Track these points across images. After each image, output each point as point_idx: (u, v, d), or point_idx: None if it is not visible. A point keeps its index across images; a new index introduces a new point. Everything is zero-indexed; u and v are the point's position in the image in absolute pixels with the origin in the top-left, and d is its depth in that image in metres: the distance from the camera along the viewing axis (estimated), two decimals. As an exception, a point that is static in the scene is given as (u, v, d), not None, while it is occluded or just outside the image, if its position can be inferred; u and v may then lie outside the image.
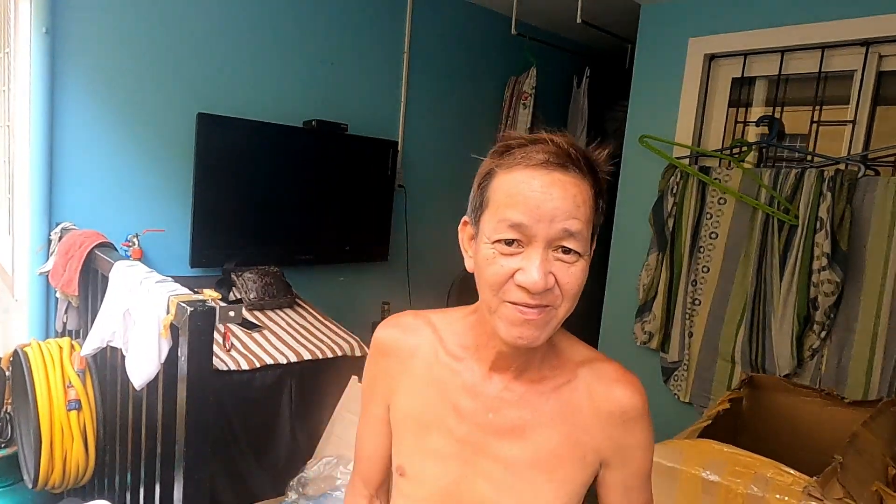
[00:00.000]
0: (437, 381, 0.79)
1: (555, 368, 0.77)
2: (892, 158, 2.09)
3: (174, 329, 1.22)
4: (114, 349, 1.54)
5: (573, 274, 0.68)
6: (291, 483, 1.84)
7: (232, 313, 1.17)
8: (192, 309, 1.13)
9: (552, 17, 3.26)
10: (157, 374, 1.28)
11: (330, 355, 2.01)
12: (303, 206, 2.63)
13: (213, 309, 1.15)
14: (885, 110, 2.16)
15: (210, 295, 1.21)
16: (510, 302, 0.68)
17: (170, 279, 1.36)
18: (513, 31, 3.17)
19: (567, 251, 0.68)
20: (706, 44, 2.43)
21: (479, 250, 0.71)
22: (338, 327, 2.21)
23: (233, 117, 2.36)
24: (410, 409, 0.80)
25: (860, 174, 2.05)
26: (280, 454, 1.90)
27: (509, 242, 0.68)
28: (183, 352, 1.15)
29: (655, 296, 2.48)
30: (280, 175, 2.54)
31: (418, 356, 0.81)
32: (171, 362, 1.25)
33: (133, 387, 1.32)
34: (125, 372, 1.34)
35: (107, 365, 1.71)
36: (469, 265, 0.76)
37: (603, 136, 3.90)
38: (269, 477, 1.87)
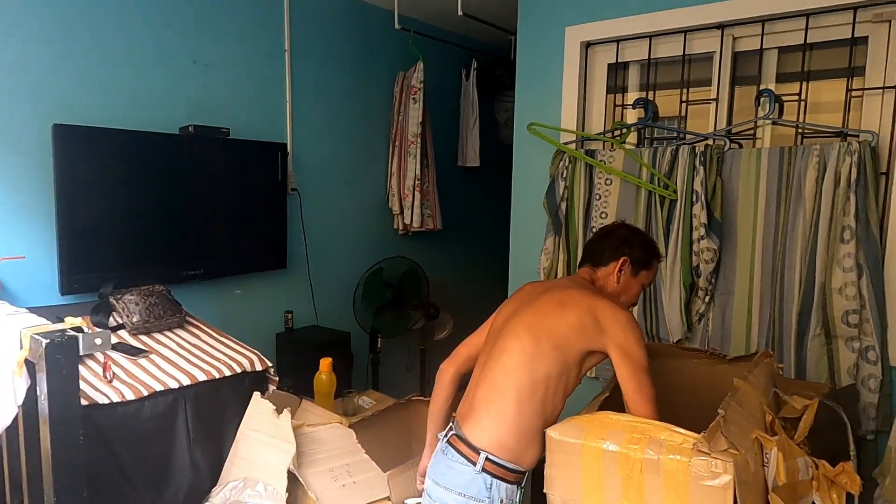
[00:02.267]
0: None
1: None
2: (750, 132, 2.27)
3: (31, 366, 1.09)
4: (-34, 396, 1.35)
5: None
6: (195, 515, 1.72)
7: (98, 341, 1.06)
8: (48, 341, 1.00)
9: (434, 10, 3.27)
10: (17, 418, 1.14)
11: (228, 373, 1.89)
12: (187, 218, 2.47)
13: (75, 339, 1.03)
14: (742, 89, 2.34)
15: (71, 323, 1.08)
16: (633, 303, 1.67)
17: (24, 311, 1.21)
18: (396, 26, 3.15)
19: None
20: (582, 32, 2.53)
21: (633, 284, 1.61)
22: (235, 343, 2.08)
23: (96, 127, 2.17)
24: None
25: (726, 148, 2.21)
26: (180, 486, 1.76)
27: (643, 286, 1.64)
28: (42, 390, 1.02)
29: (555, 278, 2.56)
30: (158, 187, 2.36)
31: None
32: (31, 403, 1.11)
33: (-11, 436, 1.16)
34: (-21, 420, 1.17)
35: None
36: (614, 278, 1.59)
37: (495, 126, 3.97)
38: (170, 512, 1.73)
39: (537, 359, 1.38)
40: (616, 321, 1.39)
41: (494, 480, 1.34)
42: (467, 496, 1.34)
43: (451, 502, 1.36)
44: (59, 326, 1.07)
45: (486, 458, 1.34)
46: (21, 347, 1.08)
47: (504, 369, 1.40)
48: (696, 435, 1.10)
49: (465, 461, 1.36)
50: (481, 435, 1.38)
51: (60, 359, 1.02)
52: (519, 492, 1.40)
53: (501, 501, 1.35)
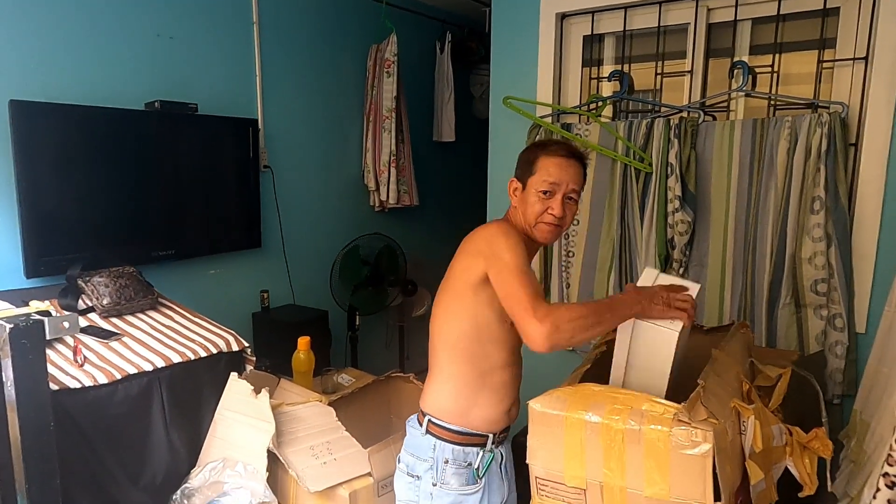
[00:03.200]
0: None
1: None
2: (724, 104, 2.28)
3: (-5, 351, 1.04)
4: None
5: (572, 210, 1.39)
6: (174, 497, 1.70)
7: (66, 324, 1.02)
8: (11, 326, 0.96)
9: (407, -19, 3.19)
10: (-16, 406, 1.10)
11: (203, 354, 1.86)
12: (157, 197, 2.39)
13: (41, 323, 0.99)
14: (716, 62, 2.35)
15: (36, 307, 1.04)
16: (543, 223, 1.36)
17: (-14, 294, 1.16)
18: (368, -3, 3.07)
19: (571, 199, 1.37)
20: (557, 3, 2.49)
21: (527, 197, 1.37)
22: (210, 323, 2.04)
23: (56, 103, 2.07)
24: None
25: (700, 120, 2.22)
26: (157, 470, 1.73)
27: (545, 192, 1.35)
28: (7, 376, 0.99)
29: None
30: (124, 165, 2.28)
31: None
32: (-2, 390, 1.07)
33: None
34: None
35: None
36: (514, 202, 1.41)
37: (470, 100, 3.93)
38: (148, 496, 1.71)
39: (448, 313, 1.38)
40: (483, 237, 1.34)
41: (438, 442, 1.37)
42: (415, 456, 1.41)
43: (403, 460, 1.45)
44: (24, 311, 1.03)
45: (429, 421, 1.39)
46: (-16, 333, 1.03)
47: (432, 332, 1.43)
48: (676, 405, 1.12)
49: (416, 424, 1.44)
50: (425, 398, 1.44)
51: (26, 344, 0.98)
52: (486, 455, 1.37)
53: (446, 461, 1.36)
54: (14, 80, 2.02)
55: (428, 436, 1.39)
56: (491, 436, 1.39)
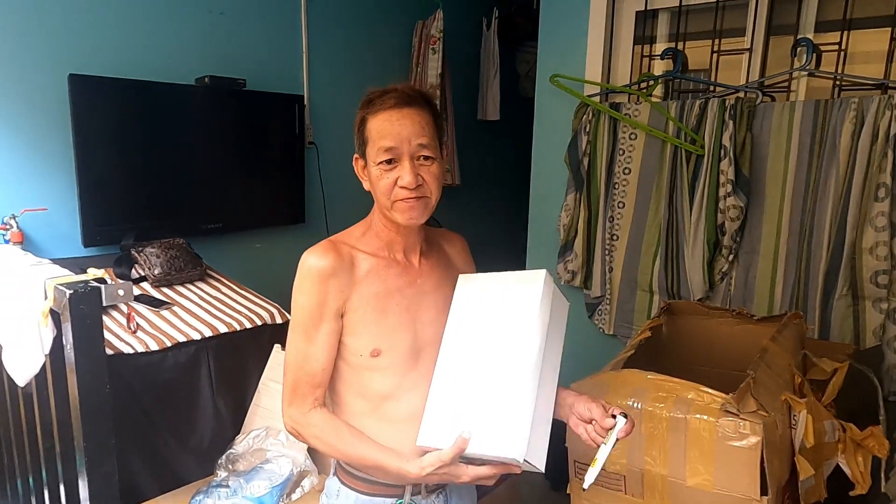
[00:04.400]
0: (378, 279, 1.05)
1: (431, 245, 1.16)
2: (785, 84, 2.17)
3: (56, 315, 1.09)
4: (-6, 345, 1.38)
5: (432, 172, 1.03)
6: (220, 461, 1.77)
7: (122, 292, 1.06)
8: (71, 292, 1.00)
9: (455, -45, 3.14)
10: (45, 367, 1.15)
11: (249, 326, 1.91)
12: (205, 171, 2.45)
13: (98, 290, 1.03)
14: (777, 39, 2.23)
15: (94, 274, 1.08)
16: (399, 200, 1.01)
17: (47, 261, 1.22)
18: (415, -28, 3.03)
19: (425, 158, 1.02)
20: (610, -23, 2.41)
21: (371, 173, 1.04)
22: (255, 296, 2.10)
23: (112, 77, 2.13)
24: (368, 306, 1.03)
25: (758, 101, 2.12)
26: (204, 434, 1.80)
27: (388, 161, 1.01)
28: (68, 339, 1.03)
29: (576, 235, 2.52)
30: (176, 139, 2.33)
31: (357, 269, 1.05)
32: (58, 351, 1.12)
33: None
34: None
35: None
36: (366, 186, 1.08)
37: (515, 78, 3.86)
38: (195, 459, 1.78)
39: None
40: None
41: (342, 487, 1.09)
42: (326, 496, 1.13)
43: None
44: (83, 277, 1.07)
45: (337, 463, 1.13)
46: (45, 298, 1.08)
47: None
48: (724, 395, 1.09)
49: None
50: None
51: (84, 309, 1.02)
52: None
53: None
54: (72, 55, 2.09)
55: (334, 477, 1.12)
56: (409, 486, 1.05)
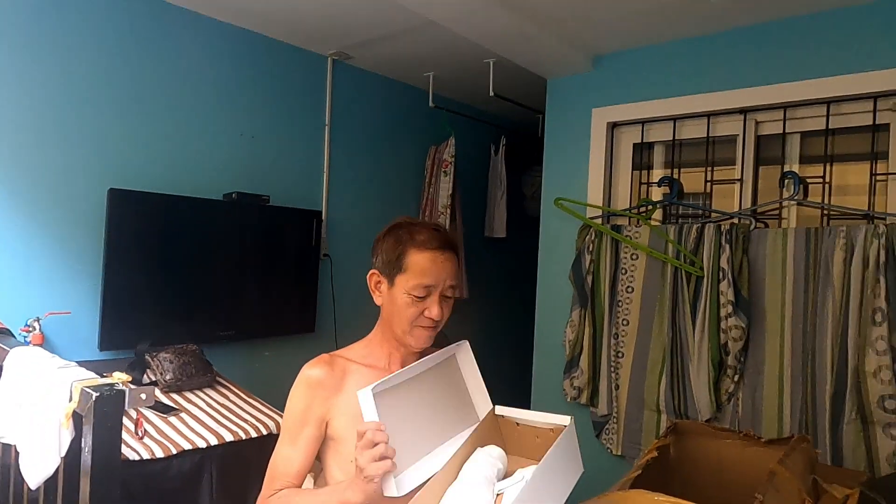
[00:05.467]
0: (368, 385, 1.07)
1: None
2: (776, 212, 2.31)
3: (77, 418, 1.13)
4: (6, 447, 1.39)
5: (450, 306, 1.19)
6: (213, 581, 1.69)
7: (143, 396, 1.10)
8: (97, 394, 1.05)
9: (467, 90, 3.45)
10: (58, 470, 1.17)
11: (254, 435, 1.91)
12: (224, 280, 2.55)
13: (123, 392, 1.07)
14: (766, 169, 2.40)
15: (119, 378, 1.13)
16: (420, 326, 1.16)
17: (73, 364, 1.27)
18: (430, 104, 3.32)
19: (448, 297, 1.18)
20: (608, 113, 2.64)
21: (397, 298, 1.15)
22: (262, 404, 2.10)
23: (147, 192, 2.30)
24: (356, 413, 1.05)
25: (752, 227, 2.24)
26: (200, 549, 1.74)
27: (421, 296, 1.14)
28: (87, 443, 1.06)
29: (581, 351, 2.55)
30: (199, 249, 2.46)
31: (347, 378, 1.16)
32: (72, 456, 1.14)
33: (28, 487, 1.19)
34: (20, 472, 1.20)
35: (-2, 466, 1.54)
36: (378, 301, 1.20)
37: (521, 199, 4.07)
38: (188, 577, 1.71)
39: None
40: None
41: None
42: None
43: None
44: (108, 381, 1.12)
45: None
46: (70, 400, 1.12)
47: None
48: (731, 518, 1.08)
49: None
50: None
51: (108, 412, 1.06)
52: None
53: None
54: (111, 170, 2.27)
55: None
56: None
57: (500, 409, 1.21)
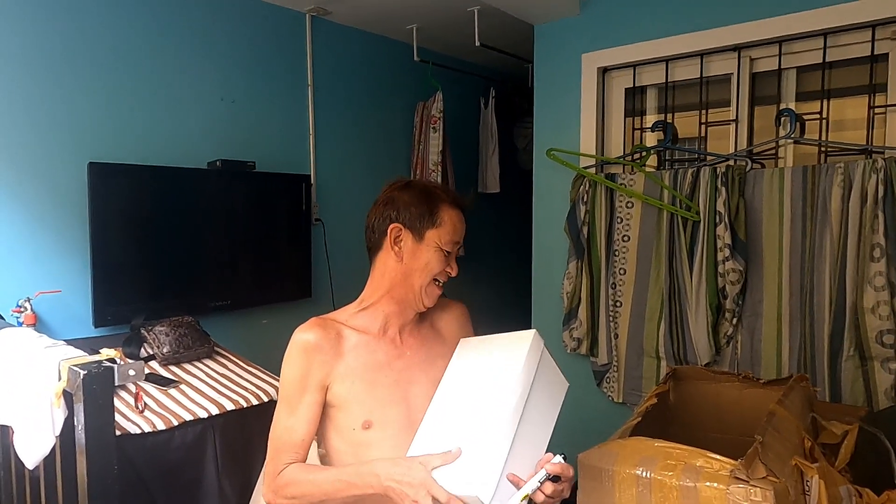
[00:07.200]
0: (367, 352, 1.12)
1: (423, 320, 1.23)
2: (772, 152, 2.26)
3: (68, 396, 1.11)
4: (3, 428, 1.39)
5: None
6: (224, 545, 1.72)
7: (132, 372, 1.08)
8: (85, 372, 1.03)
9: (452, 42, 3.34)
10: (54, 449, 1.16)
11: (255, 402, 1.91)
12: (215, 250, 2.52)
13: (111, 370, 1.05)
14: (762, 109, 2.34)
15: (106, 354, 1.11)
16: (436, 284, 1.15)
17: (62, 343, 1.25)
18: (415, 58, 3.22)
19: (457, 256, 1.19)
20: (598, 58, 2.56)
21: (424, 252, 1.13)
22: (262, 372, 2.11)
23: (129, 164, 2.24)
24: (355, 377, 1.09)
25: (748, 168, 2.19)
26: (209, 516, 1.77)
27: (450, 251, 1.15)
28: (80, 420, 1.05)
29: (579, 302, 2.54)
30: (187, 220, 2.42)
31: (343, 343, 1.12)
32: (68, 433, 1.13)
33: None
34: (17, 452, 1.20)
35: (-2, 447, 1.54)
36: (396, 257, 1.14)
37: (514, 152, 4.00)
38: (198, 542, 1.74)
39: None
40: None
41: None
42: None
43: None
44: (96, 358, 1.10)
45: None
46: (59, 379, 1.11)
47: None
48: (733, 461, 1.08)
49: None
50: None
51: (97, 389, 1.04)
52: None
53: None
54: (90, 144, 2.21)
55: None
56: None
57: (464, 340, 1.20)
